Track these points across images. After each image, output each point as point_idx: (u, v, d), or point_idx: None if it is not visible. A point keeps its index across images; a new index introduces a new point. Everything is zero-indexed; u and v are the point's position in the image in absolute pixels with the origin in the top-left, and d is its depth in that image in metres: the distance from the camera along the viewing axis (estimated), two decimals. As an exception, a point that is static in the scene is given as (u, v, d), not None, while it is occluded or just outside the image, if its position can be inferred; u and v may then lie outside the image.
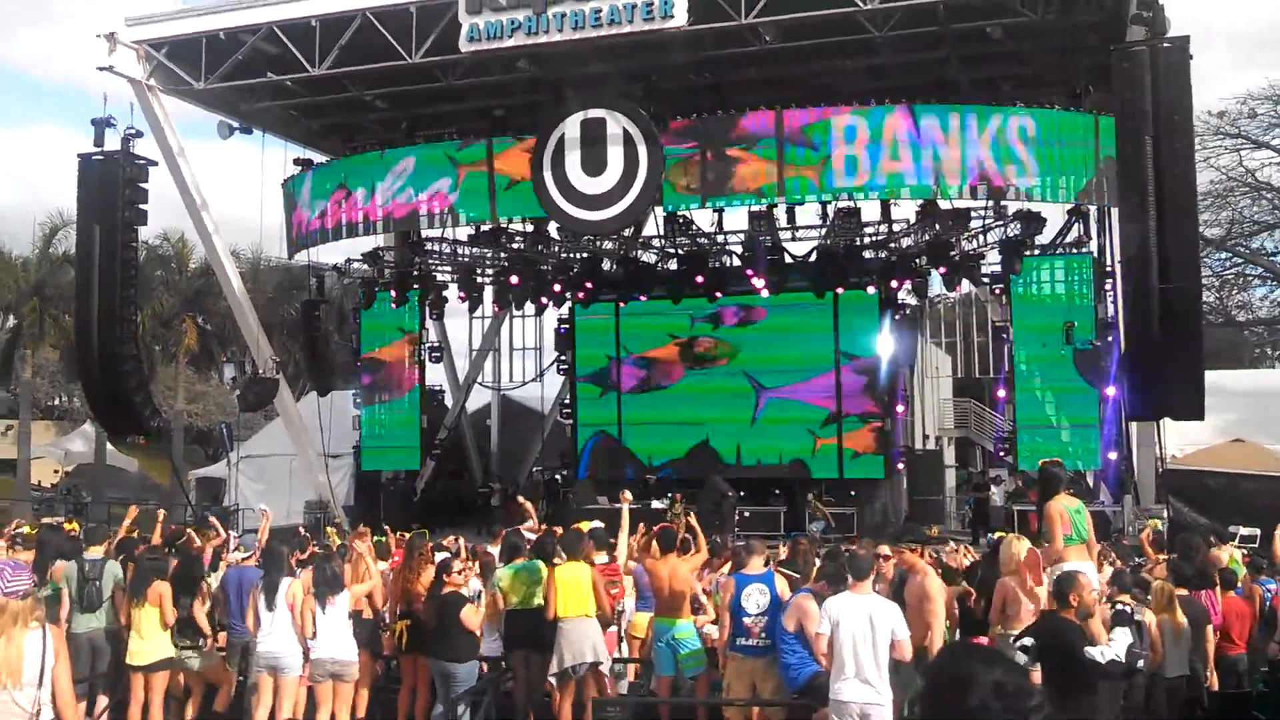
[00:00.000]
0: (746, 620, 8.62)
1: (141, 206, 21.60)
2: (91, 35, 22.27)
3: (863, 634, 7.48)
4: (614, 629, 10.33)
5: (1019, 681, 2.72)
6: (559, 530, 11.65)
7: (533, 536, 11.23)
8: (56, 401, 47.54)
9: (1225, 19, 55.52)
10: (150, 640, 9.44)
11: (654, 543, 10.16)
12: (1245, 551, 14.16)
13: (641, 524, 13.09)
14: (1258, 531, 15.50)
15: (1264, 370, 39.22)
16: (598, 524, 11.93)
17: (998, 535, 11.95)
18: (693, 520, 11.84)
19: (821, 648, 7.71)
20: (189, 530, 13.50)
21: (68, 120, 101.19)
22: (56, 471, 36.83)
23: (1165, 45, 15.21)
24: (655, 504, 22.14)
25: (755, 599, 8.62)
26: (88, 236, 21.59)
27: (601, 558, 10.40)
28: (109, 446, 36.34)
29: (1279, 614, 11.24)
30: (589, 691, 9.35)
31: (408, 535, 12.33)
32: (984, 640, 8.85)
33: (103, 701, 9.35)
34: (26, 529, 13.32)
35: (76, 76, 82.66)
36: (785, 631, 8.23)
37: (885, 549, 9.74)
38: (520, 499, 22.58)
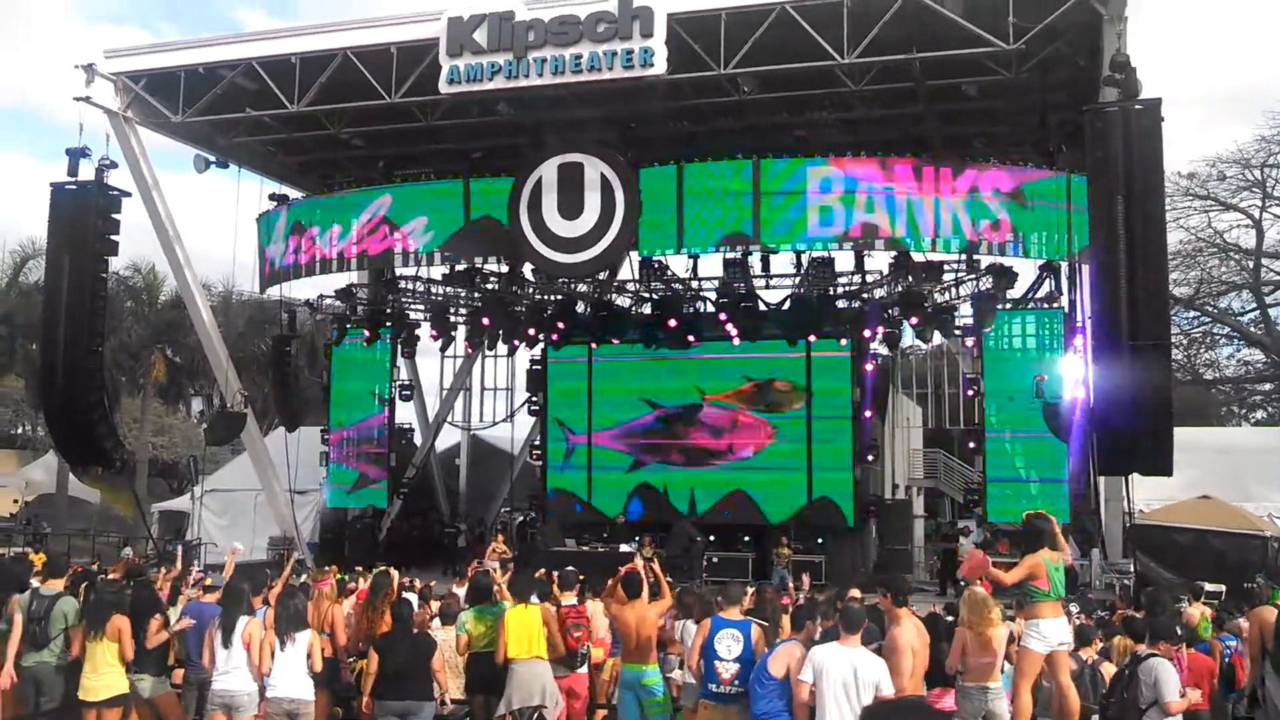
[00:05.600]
0: (718, 664, 8.51)
1: (113, 237, 21.46)
2: (68, 64, 22.25)
3: (846, 687, 7.40)
4: (583, 670, 10.22)
5: None
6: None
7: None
8: (19, 430, 46.92)
9: (1194, 80, 56.62)
10: (105, 675, 9.23)
11: (618, 588, 10.06)
12: (1211, 608, 14.18)
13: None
14: (1223, 587, 15.51)
15: (1231, 428, 39.55)
16: (569, 568, 11.83)
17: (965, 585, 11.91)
18: (656, 566, 11.72)
19: (802, 695, 7.60)
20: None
21: (40, 149, 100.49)
22: (16, 501, 36.19)
23: (1137, 107, 15.38)
24: (624, 547, 21.99)
25: (728, 644, 8.52)
26: (57, 265, 21.42)
27: (570, 599, 10.31)
28: (71, 477, 35.83)
29: (1238, 671, 11.30)
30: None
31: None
32: (950, 692, 8.80)
33: None
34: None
35: (49, 105, 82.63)
36: (768, 676, 8.08)
37: (856, 592, 9.63)
38: (500, 538, 22.59)
